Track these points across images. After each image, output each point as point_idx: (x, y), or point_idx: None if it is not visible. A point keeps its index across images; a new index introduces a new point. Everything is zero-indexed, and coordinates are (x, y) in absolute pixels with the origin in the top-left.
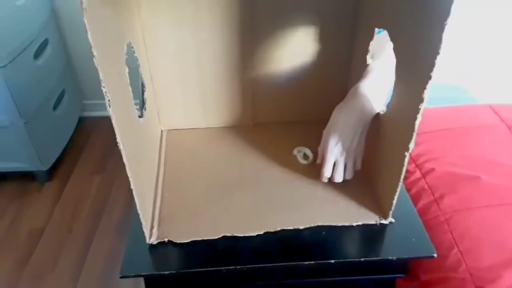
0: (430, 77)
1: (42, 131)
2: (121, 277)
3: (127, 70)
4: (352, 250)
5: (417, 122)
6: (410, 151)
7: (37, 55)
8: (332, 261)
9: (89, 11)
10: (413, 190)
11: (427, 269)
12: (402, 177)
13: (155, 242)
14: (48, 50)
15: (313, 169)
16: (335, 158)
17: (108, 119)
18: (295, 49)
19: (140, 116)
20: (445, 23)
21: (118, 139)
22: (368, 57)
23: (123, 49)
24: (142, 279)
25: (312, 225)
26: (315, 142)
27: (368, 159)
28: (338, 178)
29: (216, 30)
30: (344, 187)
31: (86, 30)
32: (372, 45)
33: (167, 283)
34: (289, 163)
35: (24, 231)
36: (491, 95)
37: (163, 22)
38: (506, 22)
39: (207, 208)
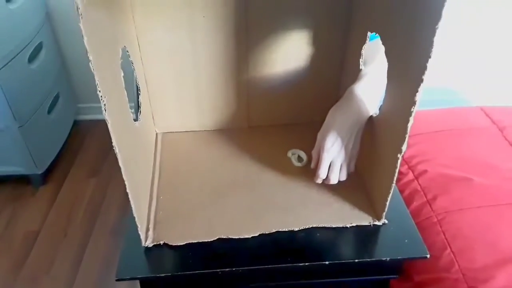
0: (422, 80)
1: (37, 134)
2: (116, 280)
3: (122, 74)
4: (346, 251)
5: (409, 125)
6: (402, 153)
7: (31, 58)
8: (327, 262)
9: (85, 16)
10: (406, 192)
11: (420, 270)
12: (395, 178)
13: (150, 245)
14: (43, 53)
15: (307, 171)
16: (331, 158)
17: (103, 122)
18: (289, 52)
19: (135, 120)
20: (436, 27)
21: (114, 143)
22: (360, 61)
23: (118, 53)
24: (137, 282)
25: (307, 227)
26: (309, 144)
27: (361, 161)
28: (334, 179)
29: (211, 34)
30: (337, 189)
31: (82, 35)
32: (365, 51)
33: (163, 286)
34: (284, 166)
35: (19, 234)
36: (482, 97)
37: (157, 26)
38: (498, 25)
39: (202, 210)
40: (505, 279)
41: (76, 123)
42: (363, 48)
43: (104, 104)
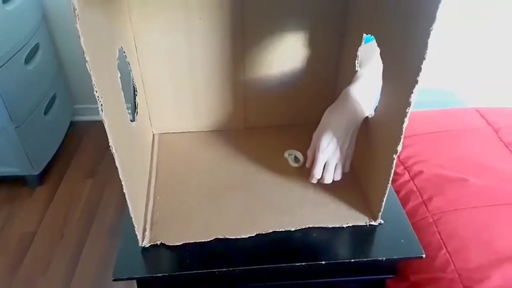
0: (416, 82)
1: (34, 135)
2: (113, 280)
3: (119, 75)
4: (342, 251)
5: (405, 126)
6: (398, 153)
7: (28, 60)
8: (323, 262)
9: (82, 17)
10: (402, 192)
11: (416, 270)
12: (390, 179)
13: (147, 245)
14: (39, 55)
15: (304, 172)
16: (327, 158)
17: (99, 123)
18: (285, 53)
19: (132, 120)
20: (431, 28)
21: (111, 143)
22: (356, 62)
23: (115, 54)
24: (135, 282)
25: (303, 227)
26: (306, 145)
27: (357, 161)
28: (328, 178)
29: (207, 35)
30: (334, 190)
31: (79, 36)
32: (361, 53)
33: (160, 286)
34: (280, 166)
35: (15, 235)
36: (478, 98)
37: (154, 27)
38: (494, 27)
39: (199, 210)
40: (500, 279)
41: (72, 124)
42: (358, 49)
43: (101, 105)
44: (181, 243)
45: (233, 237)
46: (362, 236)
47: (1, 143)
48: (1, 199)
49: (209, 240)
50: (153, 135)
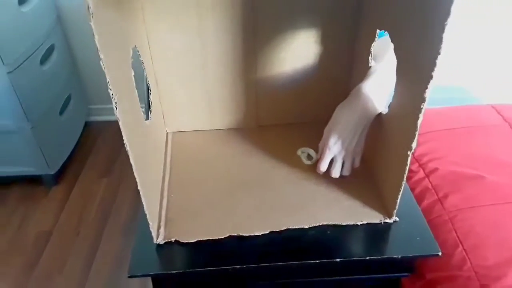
0: (431, 77)
1: (49, 135)
2: (129, 277)
3: (133, 73)
4: (357, 249)
5: (419, 122)
6: (412, 150)
7: (43, 60)
8: (338, 260)
9: (96, 15)
10: (417, 190)
11: (432, 268)
12: (405, 176)
13: (162, 242)
14: (54, 55)
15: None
16: (333, 155)
17: (113, 123)
18: (297, 51)
19: (146, 119)
20: (446, 23)
21: (125, 141)
22: (370, 58)
23: (129, 53)
24: (149, 281)
25: (317, 225)
26: (318, 143)
27: (371, 158)
28: (335, 174)
29: (220, 34)
30: (348, 187)
31: (93, 34)
32: (374, 48)
33: (174, 282)
34: (294, 164)
35: (32, 234)
36: (493, 96)
37: (167, 26)
38: (508, 23)
39: (212, 208)
40: None
41: (87, 125)
42: (372, 45)
43: (115, 103)
44: (195, 240)
45: (246, 235)
46: (377, 234)
47: (17, 143)
48: (17, 199)
49: (222, 237)
50: (167, 133)
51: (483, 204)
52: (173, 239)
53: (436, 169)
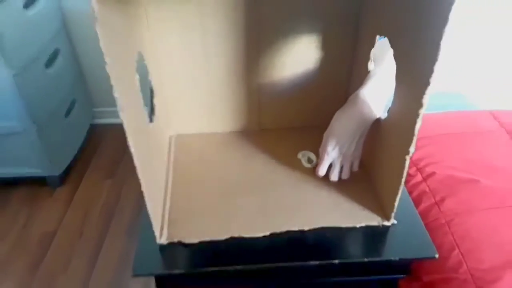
0: (429, 83)
1: (54, 137)
2: (133, 276)
3: (137, 77)
4: (355, 251)
5: (417, 127)
6: (410, 154)
7: (48, 64)
8: (336, 261)
9: (101, 20)
10: (415, 193)
11: (429, 270)
12: (403, 179)
13: (165, 242)
14: (59, 59)
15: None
16: (331, 160)
17: (117, 126)
18: (299, 55)
19: (150, 122)
20: (444, 30)
21: (129, 142)
22: (369, 63)
23: (134, 57)
24: (152, 282)
25: (317, 227)
26: (319, 146)
27: (370, 162)
28: (333, 178)
29: (222, 38)
30: (347, 190)
31: (99, 39)
32: (374, 51)
33: (177, 282)
34: (294, 167)
35: (36, 235)
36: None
37: (170, 30)
38: (506, 28)
39: (215, 210)
40: None
41: (92, 127)
42: (371, 51)
43: (120, 105)
44: (197, 241)
45: (248, 236)
46: (375, 236)
47: (23, 145)
48: (22, 199)
49: (224, 238)
50: (170, 136)
51: (479, 208)
52: (176, 240)
53: (433, 173)
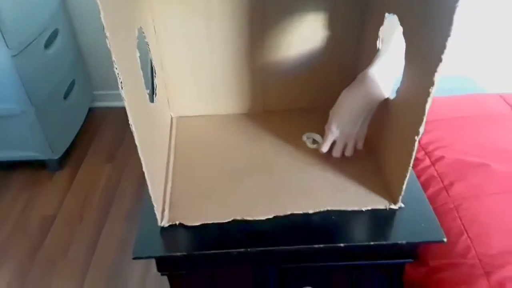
0: (441, 60)
1: (53, 120)
2: (133, 258)
3: (138, 54)
4: (361, 235)
5: (428, 106)
6: (420, 135)
7: (47, 44)
8: (342, 244)
9: None
10: (423, 178)
11: (436, 255)
12: (411, 161)
13: (166, 225)
14: (59, 40)
15: (323, 155)
16: (335, 137)
17: (117, 110)
18: (305, 35)
19: (151, 102)
20: (456, 4)
21: (131, 121)
22: (378, 42)
23: (135, 33)
24: (152, 267)
25: (322, 210)
26: (324, 128)
27: (378, 144)
28: (335, 154)
29: (226, 17)
30: (353, 172)
31: (99, 11)
32: (382, 29)
33: (178, 265)
34: (299, 149)
35: (35, 218)
36: (500, 86)
37: (173, 9)
38: None
39: (217, 192)
40: None
41: (91, 110)
42: (380, 29)
43: (121, 82)
44: (199, 224)
45: (250, 219)
46: (382, 220)
47: (21, 127)
48: (22, 183)
49: (227, 221)
50: (172, 118)
51: (488, 193)
52: (177, 222)
53: (442, 157)
